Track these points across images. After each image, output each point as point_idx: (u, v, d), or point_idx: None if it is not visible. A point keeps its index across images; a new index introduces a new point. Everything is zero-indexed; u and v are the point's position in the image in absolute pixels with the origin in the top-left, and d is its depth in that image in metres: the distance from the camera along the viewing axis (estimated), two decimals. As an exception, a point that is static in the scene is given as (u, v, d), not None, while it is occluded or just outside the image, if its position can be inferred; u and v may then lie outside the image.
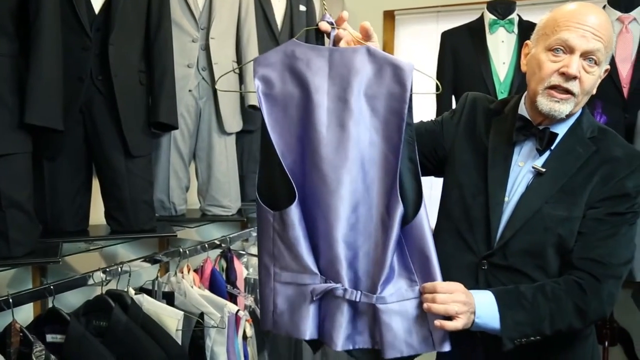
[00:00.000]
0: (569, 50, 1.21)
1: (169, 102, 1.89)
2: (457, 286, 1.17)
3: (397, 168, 1.16)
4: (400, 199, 1.15)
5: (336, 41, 1.20)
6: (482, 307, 1.18)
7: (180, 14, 2.06)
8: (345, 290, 1.18)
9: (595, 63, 1.22)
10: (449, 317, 1.14)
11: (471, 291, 1.20)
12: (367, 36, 1.20)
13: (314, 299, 1.19)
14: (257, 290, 2.24)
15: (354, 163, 1.17)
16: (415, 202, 1.17)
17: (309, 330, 1.21)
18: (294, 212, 1.18)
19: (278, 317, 1.24)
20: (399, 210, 1.15)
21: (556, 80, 1.22)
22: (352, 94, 1.16)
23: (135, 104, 1.81)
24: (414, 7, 3.32)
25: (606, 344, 2.77)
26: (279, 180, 1.20)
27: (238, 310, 1.94)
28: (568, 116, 1.27)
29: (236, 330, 1.98)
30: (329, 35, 1.19)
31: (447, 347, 1.18)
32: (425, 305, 1.15)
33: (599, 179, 1.24)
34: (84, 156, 1.77)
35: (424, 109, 2.59)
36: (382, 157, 1.17)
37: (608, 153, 1.26)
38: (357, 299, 1.18)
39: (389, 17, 3.40)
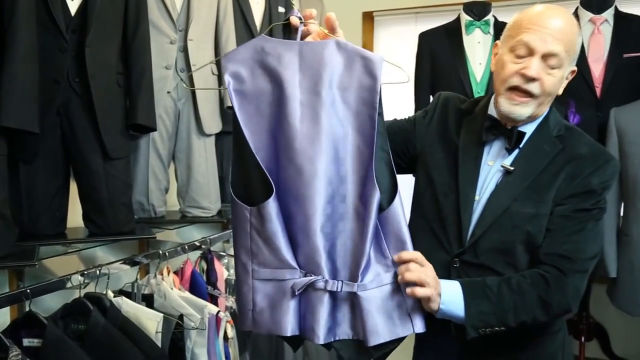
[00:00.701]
0: (530, 52, 1.23)
1: (147, 104, 1.88)
2: (428, 264, 1.21)
3: (370, 158, 1.18)
4: (377, 187, 1.17)
5: (303, 36, 1.22)
6: (448, 295, 1.21)
7: (158, 15, 2.05)
8: (326, 281, 1.19)
9: (557, 66, 1.24)
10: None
11: (439, 280, 1.23)
12: (332, 29, 1.21)
13: (297, 293, 1.19)
14: (237, 290, 2.24)
15: (327, 154, 1.18)
16: (390, 191, 1.20)
17: (290, 326, 1.21)
18: (271, 205, 1.19)
19: (258, 315, 1.23)
20: (375, 199, 1.17)
21: (516, 81, 1.25)
22: (323, 87, 1.18)
23: (113, 105, 1.80)
24: (392, 8, 3.35)
25: (583, 339, 2.83)
26: (254, 175, 1.21)
27: (219, 312, 1.94)
28: (533, 117, 1.29)
29: (217, 331, 1.97)
30: (296, 30, 1.21)
31: (424, 328, 1.21)
32: (399, 277, 1.18)
33: (566, 176, 1.27)
34: (61, 158, 1.76)
35: (403, 109, 2.61)
36: (355, 148, 1.20)
37: (574, 151, 1.29)
38: (339, 289, 1.19)
39: (368, 18, 3.43)
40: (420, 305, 1.20)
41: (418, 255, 1.20)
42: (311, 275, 1.19)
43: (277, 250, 1.20)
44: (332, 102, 1.19)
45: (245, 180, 1.24)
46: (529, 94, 1.25)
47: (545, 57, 1.23)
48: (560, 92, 1.30)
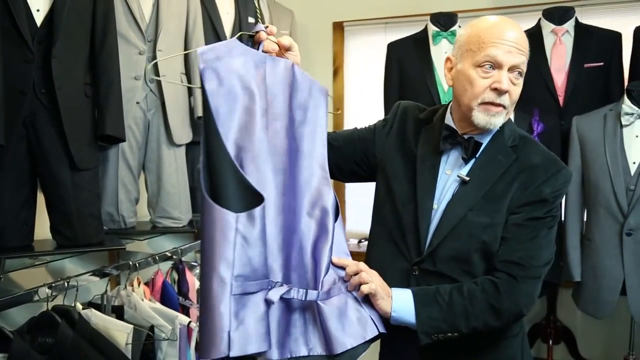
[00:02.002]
0: (498, 65, 1.26)
1: (115, 115, 1.88)
2: (373, 271, 1.27)
3: (319, 174, 1.25)
4: (334, 197, 1.23)
5: (264, 51, 1.25)
6: (399, 302, 1.25)
7: (126, 25, 2.05)
8: (290, 290, 1.17)
9: (520, 75, 1.29)
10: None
11: (392, 288, 1.26)
12: (287, 48, 1.27)
13: (275, 303, 1.15)
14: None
15: (279, 167, 1.21)
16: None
17: (268, 342, 1.14)
18: (260, 210, 1.15)
19: (238, 334, 1.11)
20: (331, 210, 1.23)
21: (489, 96, 1.27)
22: (284, 103, 1.23)
23: (81, 116, 1.79)
24: (362, 18, 3.40)
25: (550, 342, 2.89)
26: (230, 181, 1.15)
27: (190, 322, 1.93)
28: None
29: (188, 342, 1.97)
30: (259, 43, 1.24)
31: (384, 329, 1.25)
32: (350, 282, 1.23)
33: (519, 185, 1.30)
34: (27, 170, 1.74)
35: (373, 118, 2.64)
36: (305, 163, 1.25)
37: (527, 161, 1.32)
38: (303, 298, 1.18)
39: (338, 28, 3.46)
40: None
41: (361, 263, 1.26)
42: (283, 285, 1.17)
43: (263, 259, 1.15)
44: (290, 119, 1.24)
45: (217, 186, 1.16)
46: (501, 105, 1.28)
47: (512, 69, 1.27)
48: None
